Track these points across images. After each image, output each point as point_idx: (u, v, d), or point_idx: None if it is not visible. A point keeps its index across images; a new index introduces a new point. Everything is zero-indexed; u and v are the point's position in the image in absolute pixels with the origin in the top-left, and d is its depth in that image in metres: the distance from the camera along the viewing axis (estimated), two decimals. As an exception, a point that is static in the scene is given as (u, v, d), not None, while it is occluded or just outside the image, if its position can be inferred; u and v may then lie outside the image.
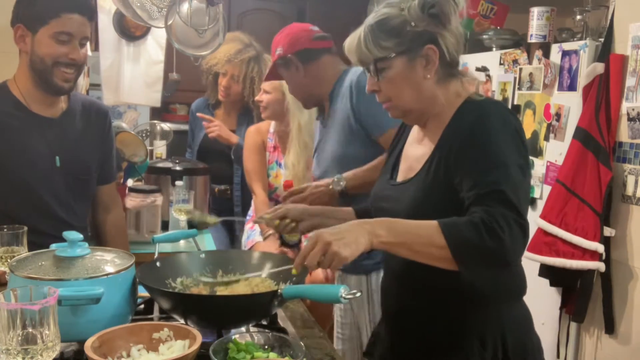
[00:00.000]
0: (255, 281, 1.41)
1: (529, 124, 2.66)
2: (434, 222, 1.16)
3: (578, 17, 2.57)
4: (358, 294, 1.14)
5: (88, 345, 1.04)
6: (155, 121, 3.11)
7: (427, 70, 1.29)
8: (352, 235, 1.14)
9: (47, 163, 1.81)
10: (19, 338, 0.91)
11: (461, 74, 1.35)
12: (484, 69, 2.94)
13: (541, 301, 2.46)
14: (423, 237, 1.16)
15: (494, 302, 1.31)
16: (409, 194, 1.32)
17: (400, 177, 1.43)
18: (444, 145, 1.29)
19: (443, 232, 1.13)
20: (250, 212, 2.87)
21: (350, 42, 1.34)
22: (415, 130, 1.45)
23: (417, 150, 1.40)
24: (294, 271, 1.19)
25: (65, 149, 1.84)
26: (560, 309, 2.43)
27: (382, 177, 1.51)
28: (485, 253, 1.13)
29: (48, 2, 1.72)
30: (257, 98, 2.67)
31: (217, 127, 2.99)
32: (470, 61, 3.01)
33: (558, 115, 2.50)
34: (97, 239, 2.02)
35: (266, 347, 1.18)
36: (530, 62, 2.67)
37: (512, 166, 1.20)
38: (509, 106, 2.77)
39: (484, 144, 1.22)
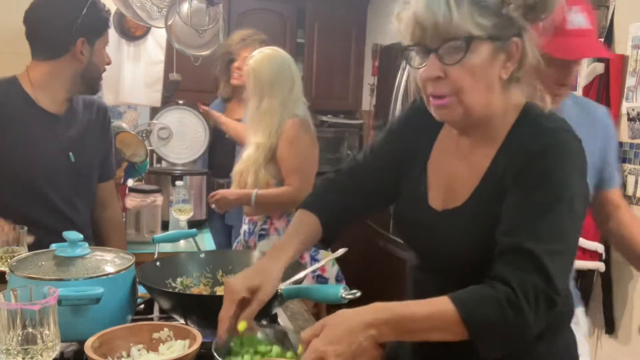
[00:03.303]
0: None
1: (529, 124, 2.66)
2: (450, 308, 0.97)
3: (578, 17, 2.57)
4: (358, 294, 1.13)
5: (88, 345, 1.04)
6: (155, 121, 3.11)
7: (504, 69, 1.06)
8: (361, 349, 0.97)
9: (59, 159, 1.82)
10: (19, 338, 0.91)
11: (525, 78, 1.12)
12: (484, 69, 2.94)
13: (541, 301, 2.46)
14: (438, 329, 0.99)
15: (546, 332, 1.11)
16: (459, 228, 1.11)
17: (437, 202, 1.18)
18: (498, 168, 1.09)
19: (463, 320, 0.97)
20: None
21: (433, 8, 1.02)
22: (448, 138, 1.20)
23: (459, 168, 1.16)
24: None
25: (74, 145, 1.86)
26: (560, 309, 2.43)
27: (409, 195, 1.23)
28: (505, 330, 0.98)
29: (102, 16, 1.87)
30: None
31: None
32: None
33: (558, 115, 2.50)
34: (94, 236, 2.03)
35: (270, 341, 1.16)
36: (530, 62, 2.67)
37: (567, 214, 1.01)
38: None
39: (546, 183, 1.02)
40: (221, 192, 2.48)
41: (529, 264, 0.97)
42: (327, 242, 1.32)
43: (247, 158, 2.40)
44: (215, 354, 1.07)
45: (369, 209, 1.37)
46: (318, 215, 1.28)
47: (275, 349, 1.14)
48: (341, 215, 1.30)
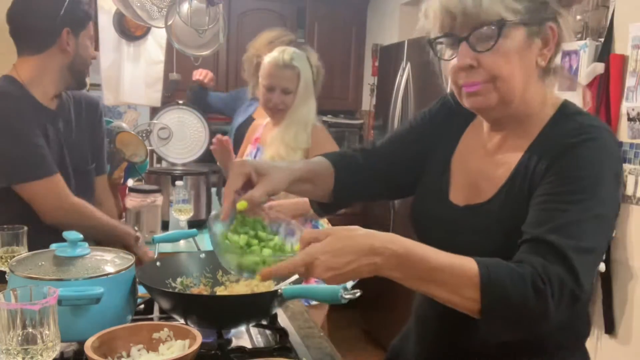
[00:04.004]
0: (255, 281, 1.41)
1: (529, 124, 2.66)
2: (471, 267, 0.89)
3: (578, 17, 2.57)
4: (358, 294, 1.13)
5: (88, 345, 1.04)
6: (155, 121, 3.11)
7: (541, 55, 1.02)
8: (355, 273, 0.91)
9: (57, 155, 1.82)
10: (19, 338, 0.91)
11: (558, 71, 1.08)
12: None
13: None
14: (449, 284, 0.90)
15: (554, 349, 1.08)
16: (483, 224, 1.05)
17: (459, 198, 1.13)
18: (530, 163, 1.03)
19: (481, 283, 0.88)
20: None
21: None
22: (476, 136, 1.16)
23: (485, 165, 1.11)
24: (258, 278, 0.98)
25: (67, 140, 1.87)
26: (560, 309, 2.43)
27: (429, 190, 1.19)
28: (521, 310, 0.89)
29: (85, 8, 1.87)
30: (277, 101, 2.29)
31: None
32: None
33: (558, 115, 2.50)
34: None
35: (274, 232, 1.09)
36: (530, 62, 2.67)
37: (595, 213, 0.94)
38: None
39: (579, 176, 0.96)
40: (275, 204, 2.16)
41: (552, 256, 0.90)
42: (330, 209, 1.29)
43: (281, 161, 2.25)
44: (209, 221, 1.05)
45: (376, 194, 1.35)
46: (334, 167, 1.25)
47: (277, 240, 1.08)
48: (351, 186, 1.26)
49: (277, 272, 0.95)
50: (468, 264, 0.90)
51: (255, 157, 2.42)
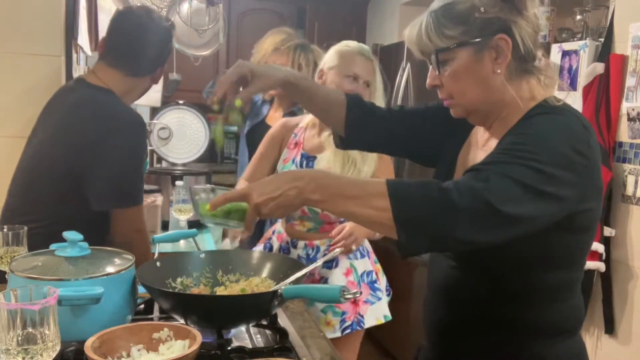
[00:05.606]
0: (255, 281, 1.41)
1: (529, 124, 2.66)
2: (380, 182, 1.02)
3: (578, 17, 2.57)
4: (358, 294, 1.14)
5: (88, 345, 1.04)
6: (155, 121, 3.11)
7: (496, 64, 1.11)
8: (285, 200, 1.06)
9: None
10: (19, 338, 0.91)
11: (539, 71, 1.15)
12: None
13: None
14: (361, 198, 1.03)
15: (548, 337, 1.15)
16: None
17: None
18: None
19: (388, 192, 1.00)
20: None
21: (411, 31, 1.16)
22: (477, 132, 1.28)
23: (478, 155, 1.21)
24: (207, 207, 1.16)
25: None
26: (560, 309, 2.43)
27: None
28: (428, 214, 0.98)
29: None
30: (363, 94, 1.97)
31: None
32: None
33: (558, 115, 2.50)
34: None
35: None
36: (530, 62, 2.67)
37: (537, 170, 0.99)
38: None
39: (526, 132, 1.06)
40: (349, 229, 1.97)
41: (471, 175, 1.01)
42: (345, 143, 1.40)
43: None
44: (193, 190, 1.19)
45: (386, 147, 1.46)
46: (346, 99, 1.37)
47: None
48: (362, 124, 1.37)
49: (221, 199, 1.14)
50: (377, 181, 1.03)
51: (303, 166, 2.01)
